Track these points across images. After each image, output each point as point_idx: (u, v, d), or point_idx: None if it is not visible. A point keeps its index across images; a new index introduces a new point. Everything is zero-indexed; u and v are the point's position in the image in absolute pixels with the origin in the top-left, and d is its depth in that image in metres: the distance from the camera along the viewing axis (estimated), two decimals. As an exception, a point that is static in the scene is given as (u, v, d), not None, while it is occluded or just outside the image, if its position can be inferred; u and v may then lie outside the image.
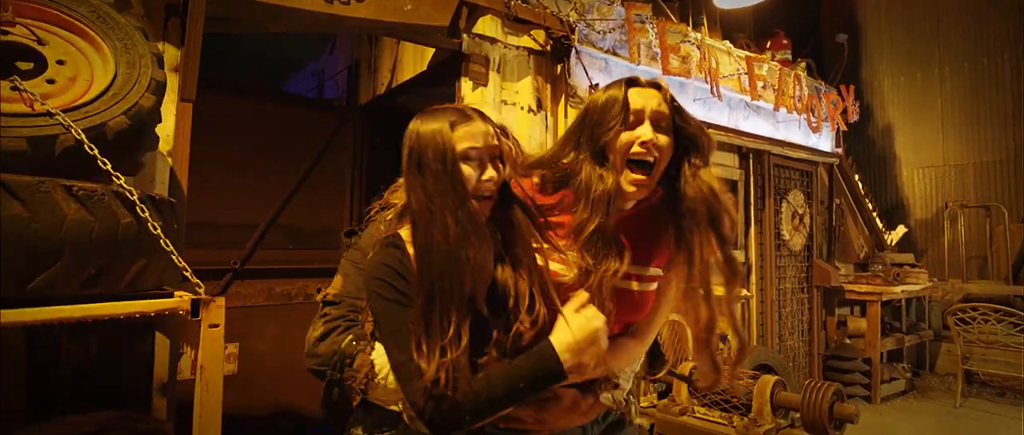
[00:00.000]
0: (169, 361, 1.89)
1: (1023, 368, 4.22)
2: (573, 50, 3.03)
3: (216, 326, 1.31)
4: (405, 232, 1.04)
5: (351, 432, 1.24)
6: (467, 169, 1.00)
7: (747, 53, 4.24)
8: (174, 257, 1.33)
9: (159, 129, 1.83)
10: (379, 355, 1.15)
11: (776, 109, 4.26)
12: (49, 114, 1.26)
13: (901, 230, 5.77)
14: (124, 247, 1.28)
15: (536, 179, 1.18)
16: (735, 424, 2.37)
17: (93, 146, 1.27)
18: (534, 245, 1.08)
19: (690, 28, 3.68)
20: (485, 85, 2.85)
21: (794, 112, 4.38)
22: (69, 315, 1.13)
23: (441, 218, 0.96)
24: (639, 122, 1.10)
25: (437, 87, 3.07)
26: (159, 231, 1.31)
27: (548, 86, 3.12)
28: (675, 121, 1.13)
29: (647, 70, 3.41)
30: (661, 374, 1.81)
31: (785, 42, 4.87)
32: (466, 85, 2.80)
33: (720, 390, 2.45)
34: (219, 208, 3.21)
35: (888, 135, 6.73)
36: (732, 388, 2.39)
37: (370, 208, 1.41)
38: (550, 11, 3.04)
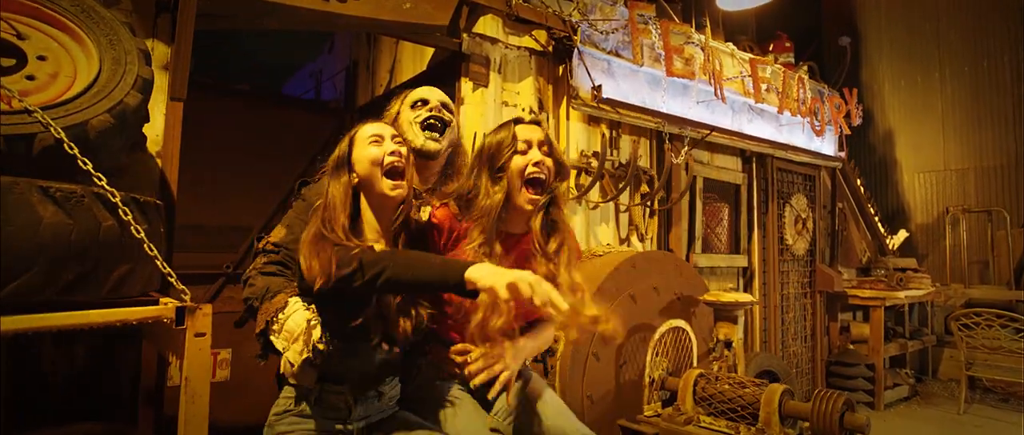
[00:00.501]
0: (157, 369, 1.83)
1: (1027, 374, 4.18)
2: (575, 51, 2.96)
3: (202, 335, 1.24)
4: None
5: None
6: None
7: (751, 55, 4.18)
8: (159, 262, 1.26)
9: (148, 129, 1.77)
10: (294, 302, 1.29)
11: (780, 112, 4.21)
12: (27, 112, 1.19)
13: (903, 235, 5.73)
14: (106, 251, 1.21)
15: (454, 209, 1.49)
16: (742, 434, 2.31)
17: (73, 145, 1.20)
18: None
19: (693, 30, 3.62)
20: (486, 86, 2.79)
21: (798, 115, 4.32)
22: (41, 324, 1.05)
23: None
24: (529, 148, 1.46)
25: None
26: (143, 235, 1.24)
27: (550, 87, 3.06)
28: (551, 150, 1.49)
29: (650, 72, 3.35)
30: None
31: (788, 45, 4.82)
32: (466, 86, 2.74)
33: (713, 394, 2.39)
34: (213, 211, 3.16)
35: (888, 139, 6.69)
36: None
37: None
38: (552, 11, 2.98)
